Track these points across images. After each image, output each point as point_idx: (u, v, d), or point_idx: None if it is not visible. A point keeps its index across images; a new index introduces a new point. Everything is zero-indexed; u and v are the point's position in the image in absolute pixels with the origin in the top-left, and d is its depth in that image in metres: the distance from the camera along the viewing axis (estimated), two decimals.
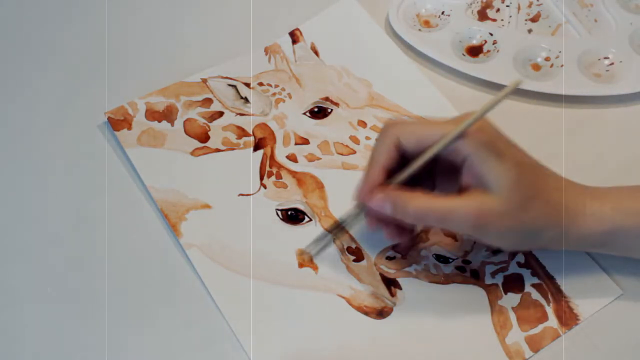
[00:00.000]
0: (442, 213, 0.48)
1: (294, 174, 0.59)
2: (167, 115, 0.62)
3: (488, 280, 0.54)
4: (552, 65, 0.65)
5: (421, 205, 0.48)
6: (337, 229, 0.54)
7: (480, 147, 0.48)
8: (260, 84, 0.64)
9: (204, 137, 0.61)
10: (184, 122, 0.62)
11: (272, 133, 0.61)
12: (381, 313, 0.53)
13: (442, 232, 0.56)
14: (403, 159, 0.50)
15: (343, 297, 0.53)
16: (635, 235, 0.50)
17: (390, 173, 0.50)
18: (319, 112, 0.63)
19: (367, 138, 0.61)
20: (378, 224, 0.51)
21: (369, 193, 0.49)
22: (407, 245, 0.55)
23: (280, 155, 0.60)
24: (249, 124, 0.62)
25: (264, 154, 0.60)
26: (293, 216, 0.57)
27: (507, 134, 0.50)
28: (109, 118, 0.61)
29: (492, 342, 0.51)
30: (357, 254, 0.55)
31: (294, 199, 0.58)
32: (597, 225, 0.50)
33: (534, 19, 0.69)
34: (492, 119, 0.49)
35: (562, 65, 0.65)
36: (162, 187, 0.58)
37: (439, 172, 0.52)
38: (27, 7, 0.70)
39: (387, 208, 0.49)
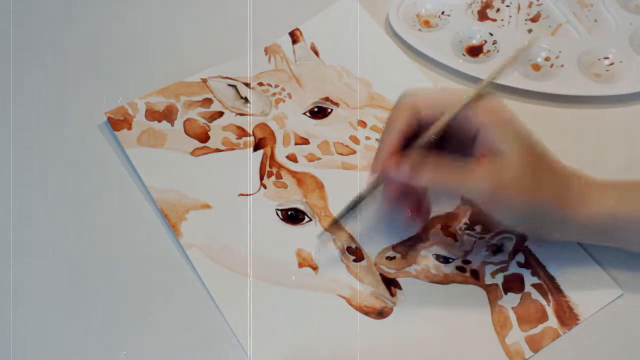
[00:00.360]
0: (458, 177, 0.48)
1: (294, 174, 0.59)
2: (167, 115, 0.62)
3: (488, 280, 0.54)
4: (552, 65, 0.65)
5: (438, 168, 0.49)
6: (359, 202, 0.53)
7: (493, 116, 0.48)
8: (260, 84, 0.64)
9: (204, 137, 0.61)
10: (184, 122, 0.62)
11: (272, 133, 0.61)
12: (381, 313, 0.53)
13: (442, 232, 0.56)
14: (417, 132, 0.50)
15: (343, 297, 0.53)
16: (636, 226, 0.50)
17: (406, 144, 0.50)
18: (319, 112, 0.63)
19: (367, 138, 0.61)
20: (397, 197, 0.51)
21: (388, 159, 0.49)
22: (421, 220, 0.54)
23: (280, 155, 0.60)
24: (248, 124, 0.62)
25: (264, 154, 0.60)
26: (293, 216, 0.57)
27: None
28: (109, 118, 0.61)
29: (492, 342, 0.51)
30: (357, 254, 0.55)
31: (294, 199, 0.58)
32: (599, 213, 0.50)
33: (534, 19, 0.69)
34: None
35: (562, 65, 0.65)
36: (162, 187, 0.58)
37: (450, 148, 0.51)
38: (27, 7, 0.70)
39: (404, 172, 0.49)
